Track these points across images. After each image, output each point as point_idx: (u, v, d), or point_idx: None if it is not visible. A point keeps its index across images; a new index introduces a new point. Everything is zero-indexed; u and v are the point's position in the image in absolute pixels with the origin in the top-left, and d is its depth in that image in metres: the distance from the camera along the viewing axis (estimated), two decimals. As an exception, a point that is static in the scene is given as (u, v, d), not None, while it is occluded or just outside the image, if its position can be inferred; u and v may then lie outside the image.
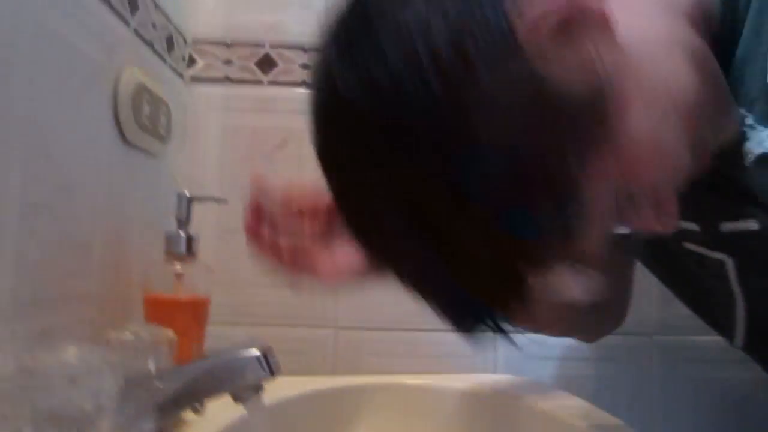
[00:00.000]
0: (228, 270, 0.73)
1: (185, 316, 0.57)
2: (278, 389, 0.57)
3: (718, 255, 0.45)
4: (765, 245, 0.40)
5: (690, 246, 0.47)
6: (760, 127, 0.36)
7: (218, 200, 0.61)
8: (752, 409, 0.80)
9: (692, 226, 0.45)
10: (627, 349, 0.80)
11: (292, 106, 0.77)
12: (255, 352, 0.37)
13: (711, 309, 0.54)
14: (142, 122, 0.58)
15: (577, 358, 0.79)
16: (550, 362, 0.78)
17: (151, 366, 0.38)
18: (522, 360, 0.78)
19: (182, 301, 0.58)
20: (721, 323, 0.53)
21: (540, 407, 0.57)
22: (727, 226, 0.43)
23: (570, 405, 0.58)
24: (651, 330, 0.81)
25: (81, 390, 0.33)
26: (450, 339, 0.76)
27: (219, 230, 0.74)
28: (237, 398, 0.37)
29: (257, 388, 0.38)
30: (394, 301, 0.76)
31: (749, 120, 0.36)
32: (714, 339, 0.80)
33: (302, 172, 0.75)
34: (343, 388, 0.64)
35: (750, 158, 0.37)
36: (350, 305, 0.76)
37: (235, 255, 0.73)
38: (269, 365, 0.37)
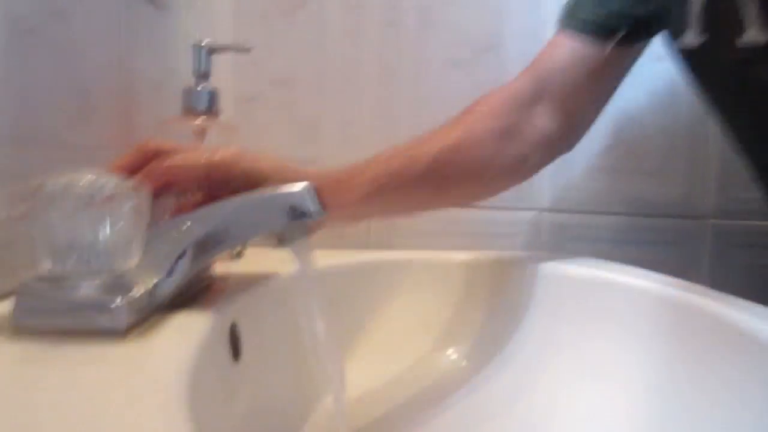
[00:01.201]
0: (250, 140, 0.68)
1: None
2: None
3: None
4: None
5: None
6: None
7: (241, 50, 0.55)
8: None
9: None
10: (679, 232, 0.75)
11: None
12: (300, 186, 0.32)
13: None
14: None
15: (624, 240, 0.74)
16: (594, 243, 0.74)
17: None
18: (564, 241, 0.74)
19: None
20: None
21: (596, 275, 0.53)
22: None
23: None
24: (708, 213, 0.76)
25: (101, 217, 0.29)
26: (489, 217, 0.72)
27: (236, 98, 0.68)
28: (281, 240, 0.33)
29: (304, 229, 0.33)
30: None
31: None
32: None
33: (326, 36, 0.70)
34: (381, 261, 0.61)
35: None
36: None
37: (257, 126, 0.69)
38: (316, 201, 0.32)
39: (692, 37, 0.49)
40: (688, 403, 0.39)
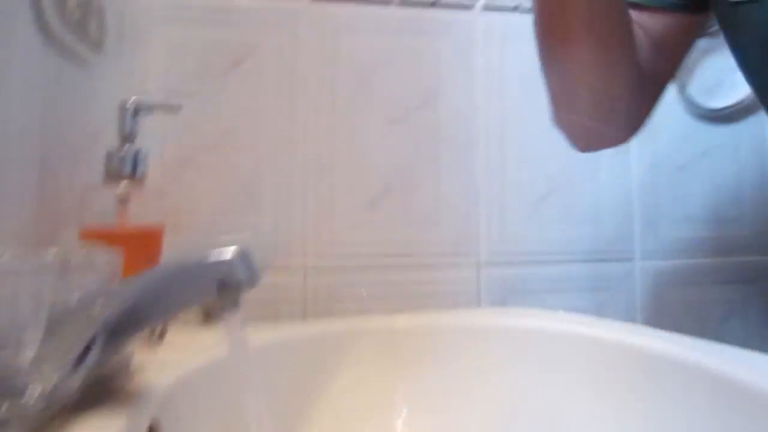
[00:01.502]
0: (180, 200, 0.64)
1: (133, 250, 0.47)
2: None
3: None
4: None
5: None
6: None
7: (172, 109, 0.51)
8: (729, 330, 0.79)
9: None
10: (611, 277, 0.76)
11: (250, 17, 0.68)
12: (230, 252, 0.28)
13: None
14: (68, 19, 0.47)
15: (561, 289, 0.74)
16: (532, 295, 0.74)
17: (88, 284, 0.29)
18: (505, 294, 0.73)
19: (129, 232, 0.48)
20: None
21: (541, 326, 0.52)
22: None
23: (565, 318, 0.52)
24: (636, 255, 0.78)
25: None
26: (429, 276, 0.70)
27: (164, 161, 0.64)
28: (209, 316, 0.29)
29: (234, 300, 0.29)
30: (364, 238, 0.69)
31: None
32: (698, 262, 0.79)
33: (261, 95, 0.68)
34: (321, 333, 0.56)
35: None
36: (319, 243, 0.68)
37: (188, 185, 0.64)
38: (250, 269, 0.28)
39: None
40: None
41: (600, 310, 0.75)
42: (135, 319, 0.29)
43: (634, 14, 0.51)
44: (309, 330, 0.56)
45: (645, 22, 0.52)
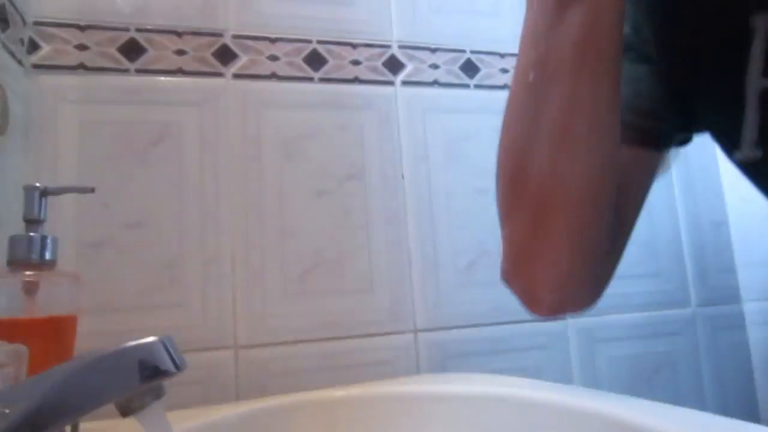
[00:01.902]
0: (95, 289, 0.60)
1: (43, 340, 0.44)
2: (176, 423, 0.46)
3: None
4: None
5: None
6: None
7: (84, 190, 0.49)
8: (660, 381, 0.82)
9: None
10: (548, 334, 0.78)
11: (166, 97, 0.67)
12: (150, 339, 0.27)
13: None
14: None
15: (501, 350, 0.75)
16: (473, 358, 0.74)
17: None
18: (443, 359, 0.72)
19: (37, 321, 0.45)
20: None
21: (481, 392, 0.51)
22: None
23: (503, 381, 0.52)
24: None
25: None
26: (364, 345, 0.69)
27: (80, 244, 0.61)
28: (126, 410, 0.27)
29: (156, 393, 0.27)
30: (297, 311, 0.68)
31: None
32: (624, 317, 0.83)
33: (184, 173, 0.67)
34: (254, 412, 0.53)
35: None
36: (249, 320, 0.66)
37: (103, 272, 0.61)
38: (172, 357, 0.27)
39: (752, 150, 0.44)
40: None
41: (539, 369, 0.76)
42: (45, 419, 0.26)
43: None
44: (241, 410, 0.53)
45: (628, 165, 0.46)
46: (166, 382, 0.28)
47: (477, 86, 0.79)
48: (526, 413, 0.46)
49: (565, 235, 0.41)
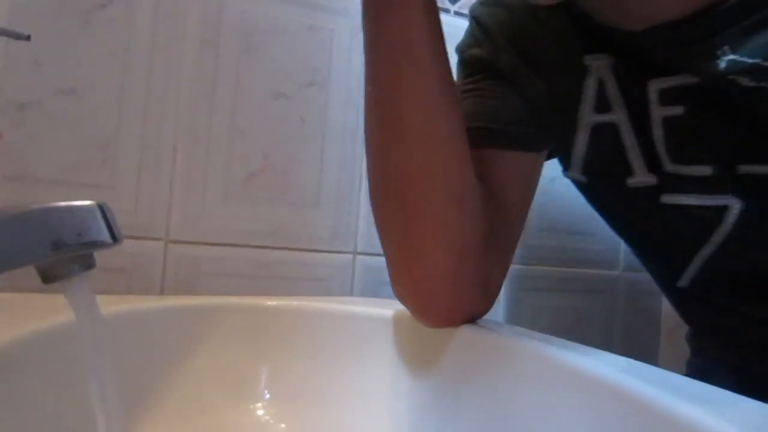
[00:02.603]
0: (16, 154, 0.55)
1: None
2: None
3: (722, 200, 0.41)
4: None
5: (673, 198, 0.44)
6: None
7: (16, 35, 0.43)
8: (576, 334, 0.86)
9: (704, 170, 0.41)
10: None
11: None
12: (86, 202, 0.23)
13: (665, 251, 0.51)
14: None
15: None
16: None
17: None
18: (377, 285, 0.72)
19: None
20: (669, 265, 0.50)
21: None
22: (745, 168, 0.39)
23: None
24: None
25: None
26: (303, 259, 0.67)
27: (4, 102, 0.55)
28: (48, 276, 0.24)
29: (85, 263, 0.24)
30: (237, 214, 0.65)
31: None
32: (553, 270, 0.85)
33: (132, 45, 0.60)
34: (181, 307, 0.51)
35: None
36: (185, 215, 0.62)
37: (27, 138, 0.56)
38: (110, 227, 0.24)
39: (578, 175, 0.50)
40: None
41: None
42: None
43: (483, 158, 0.47)
44: (167, 303, 0.51)
45: (497, 165, 0.49)
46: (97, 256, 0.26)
47: (457, 13, 0.76)
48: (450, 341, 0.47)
49: (430, 235, 0.41)
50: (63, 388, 0.32)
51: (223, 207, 0.64)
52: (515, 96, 0.49)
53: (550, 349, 0.37)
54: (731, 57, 0.34)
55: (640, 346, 0.91)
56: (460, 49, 0.53)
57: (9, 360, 0.30)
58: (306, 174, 0.68)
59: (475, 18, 0.53)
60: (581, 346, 0.40)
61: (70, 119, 0.57)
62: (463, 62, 0.53)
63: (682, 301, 0.53)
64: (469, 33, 0.53)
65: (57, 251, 0.22)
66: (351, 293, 0.70)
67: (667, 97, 0.40)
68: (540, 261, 0.84)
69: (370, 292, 0.71)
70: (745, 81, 0.34)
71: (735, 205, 0.41)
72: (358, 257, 0.71)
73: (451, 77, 0.41)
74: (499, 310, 0.81)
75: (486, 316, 0.50)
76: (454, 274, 0.42)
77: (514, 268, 0.82)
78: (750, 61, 0.33)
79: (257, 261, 0.65)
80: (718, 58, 0.34)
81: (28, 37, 0.43)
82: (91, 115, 0.58)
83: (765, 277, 0.43)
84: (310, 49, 0.68)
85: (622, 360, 0.35)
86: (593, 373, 0.32)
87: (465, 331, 0.45)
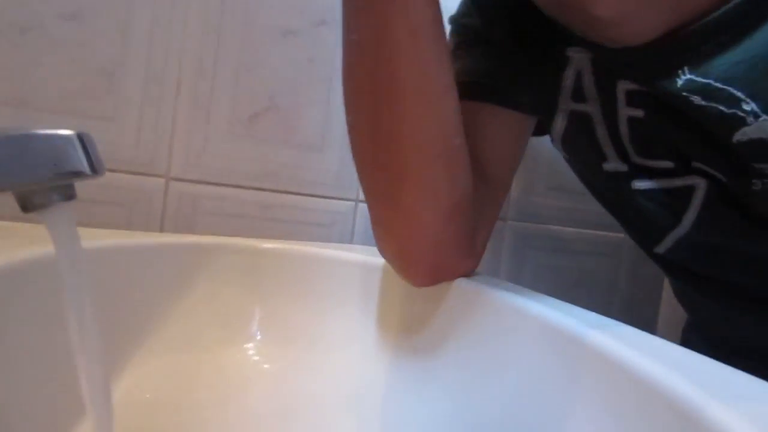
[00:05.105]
0: (16, 80, 0.54)
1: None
2: (89, 239, 0.43)
3: (689, 180, 0.44)
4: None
5: (643, 184, 0.46)
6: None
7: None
8: (577, 295, 0.86)
9: (666, 164, 0.44)
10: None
11: None
12: (65, 131, 0.23)
13: (641, 229, 0.52)
14: None
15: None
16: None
17: None
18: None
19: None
20: (646, 235, 0.52)
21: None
22: (699, 164, 0.42)
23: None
24: (507, 216, 0.80)
25: None
26: (304, 204, 0.67)
27: (3, 24, 0.53)
28: (27, 205, 0.24)
29: (66, 193, 0.24)
30: (239, 154, 0.64)
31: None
32: (560, 229, 0.84)
33: None
34: (177, 244, 0.51)
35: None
36: (187, 153, 0.62)
37: (28, 62, 0.54)
38: (89, 157, 0.23)
39: (560, 151, 0.53)
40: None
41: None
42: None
43: (473, 111, 0.48)
44: (163, 240, 0.51)
45: (485, 120, 0.50)
46: (85, 191, 0.25)
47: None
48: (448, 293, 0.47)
49: (419, 197, 0.40)
50: (44, 321, 0.32)
51: (226, 146, 0.63)
52: (506, 63, 0.50)
53: (528, 303, 0.38)
54: (689, 77, 0.37)
55: (639, 311, 0.91)
56: (454, 19, 0.54)
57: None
58: (312, 117, 0.67)
59: None
60: (554, 300, 0.41)
61: (72, 46, 0.56)
62: (456, 30, 0.54)
63: (662, 264, 0.54)
64: (464, 3, 0.54)
65: (31, 179, 0.22)
66: (351, 241, 0.70)
67: (632, 98, 0.43)
68: (546, 220, 0.83)
69: (370, 240, 0.71)
70: (697, 100, 0.37)
71: (701, 185, 0.43)
72: (360, 205, 0.70)
73: (445, 35, 0.39)
74: (501, 267, 0.81)
75: (486, 273, 0.50)
76: (440, 235, 0.42)
77: (519, 225, 0.81)
78: (703, 81, 0.36)
79: (258, 203, 0.65)
80: (678, 76, 0.37)
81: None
82: (93, 43, 0.56)
83: (736, 250, 0.44)
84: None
85: (592, 315, 0.37)
86: (559, 325, 0.34)
87: (456, 284, 0.45)
